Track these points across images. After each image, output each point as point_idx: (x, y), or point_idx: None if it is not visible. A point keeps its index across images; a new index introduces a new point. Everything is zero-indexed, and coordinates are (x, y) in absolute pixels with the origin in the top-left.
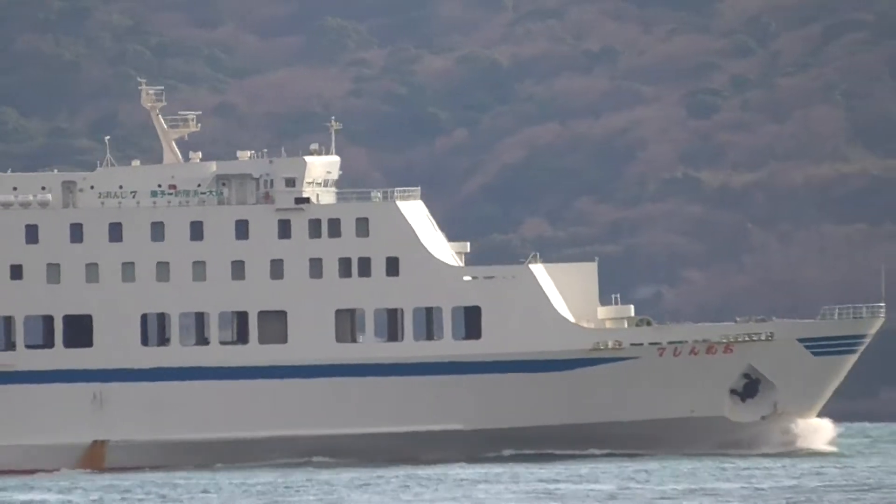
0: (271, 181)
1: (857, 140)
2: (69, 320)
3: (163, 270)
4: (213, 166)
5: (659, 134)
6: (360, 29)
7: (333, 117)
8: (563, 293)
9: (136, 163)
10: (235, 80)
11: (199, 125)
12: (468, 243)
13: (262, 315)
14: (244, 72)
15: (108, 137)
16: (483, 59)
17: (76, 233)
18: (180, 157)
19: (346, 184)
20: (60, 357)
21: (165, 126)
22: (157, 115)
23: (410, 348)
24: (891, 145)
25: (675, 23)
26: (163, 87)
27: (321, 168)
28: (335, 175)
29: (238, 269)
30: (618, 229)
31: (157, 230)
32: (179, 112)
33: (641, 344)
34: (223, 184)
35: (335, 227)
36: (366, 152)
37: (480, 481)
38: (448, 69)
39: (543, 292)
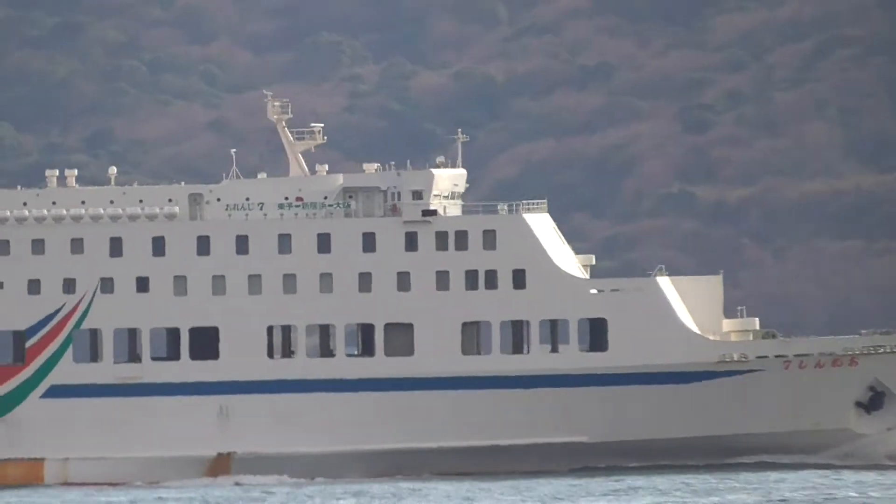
0: (398, 193)
1: (851, 156)
2: (195, 332)
3: (289, 283)
4: (339, 179)
5: (654, 149)
6: (354, 45)
7: (460, 129)
8: (689, 306)
9: (261, 175)
10: (229, 96)
11: (326, 137)
12: (594, 256)
13: (389, 327)
14: (238, 87)
15: (234, 150)
16: (478, 74)
17: (203, 245)
18: (306, 169)
19: None
20: (186, 369)
21: (292, 138)
22: (284, 127)
23: (536, 360)
24: (885, 161)
25: (670, 38)
26: (288, 100)
27: (448, 181)
28: (461, 188)
29: (365, 281)
30: (613, 245)
31: (284, 242)
32: (310, 124)
33: (767, 357)
34: (350, 196)
35: (462, 240)
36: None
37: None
38: (443, 85)
39: (669, 304)
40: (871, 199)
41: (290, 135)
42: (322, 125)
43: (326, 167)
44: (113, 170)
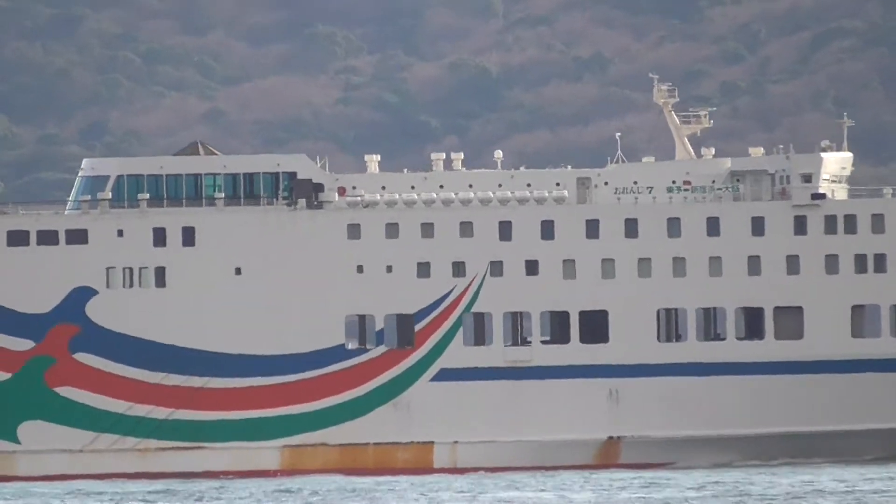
0: (787, 177)
1: (847, 148)
2: (585, 316)
3: (679, 266)
4: (727, 162)
5: (648, 142)
6: (349, 36)
7: (846, 113)
8: None
9: (648, 159)
10: (225, 87)
11: (712, 122)
12: None
13: (778, 311)
14: (234, 79)
15: (618, 134)
16: (473, 66)
17: (592, 228)
18: (693, 153)
19: None
20: (576, 353)
21: (678, 122)
22: (670, 111)
23: None
24: (882, 153)
25: (666, 30)
26: (674, 85)
27: (836, 164)
28: (848, 171)
29: (754, 264)
30: None
31: (674, 226)
32: (691, 109)
33: None
34: (737, 180)
35: (851, 224)
36: (354, 160)
37: None
38: (438, 76)
39: None
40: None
41: (676, 118)
42: (712, 109)
43: (713, 150)
44: (499, 153)
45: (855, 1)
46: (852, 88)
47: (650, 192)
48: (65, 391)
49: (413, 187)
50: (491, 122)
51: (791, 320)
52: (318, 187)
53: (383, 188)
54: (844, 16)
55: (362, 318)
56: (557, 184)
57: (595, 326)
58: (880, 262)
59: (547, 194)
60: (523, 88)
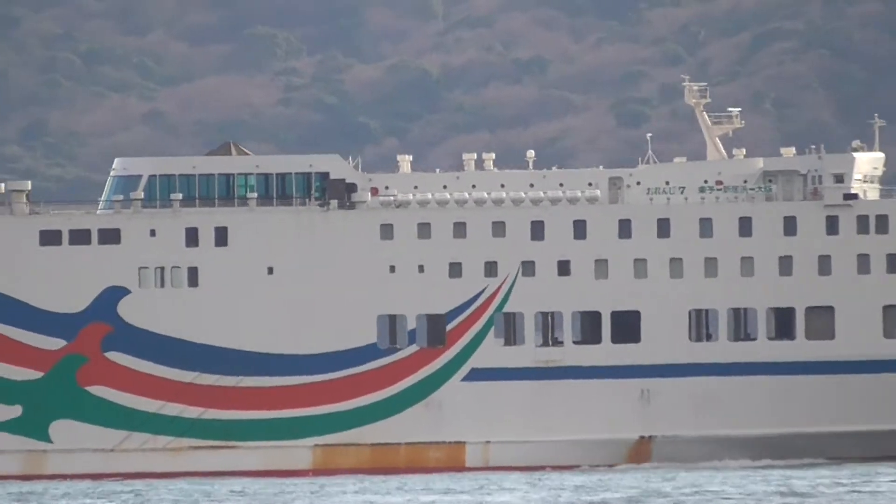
0: (819, 177)
1: (787, 148)
2: (616, 316)
3: (710, 266)
4: (759, 162)
5: (588, 143)
6: (289, 37)
7: (877, 114)
8: None
9: (679, 159)
10: (165, 88)
11: (743, 122)
12: None
13: (809, 311)
14: (174, 79)
15: (649, 134)
16: (413, 68)
17: (624, 228)
18: (724, 153)
19: None
20: (607, 353)
21: (709, 122)
22: (702, 111)
23: None
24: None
25: (604, 32)
26: (706, 84)
27: (868, 164)
28: (880, 171)
29: (785, 265)
30: None
31: (706, 226)
32: (727, 108)
33: None
34: (769, 180)
35: (882, 224)
36: None
37: None
38: (378, 78)
39: None
40: None
41: (707, 119)
42: (739, 109)
43: (744, 151)
44: (531, 153)
45: (795, 2)
46: (792, 90)
47: (682, 193)
48: (96, 390)
49: (445, 187)
50: (431, 124)
51: (822, 320)
52: (351, 187)
53: (415, 188)
54: (784, 17)
55: (394, 317)
56: (589, 184)
57: (627, 326)
58: None
59: (579, 194)
60: (463, 90)
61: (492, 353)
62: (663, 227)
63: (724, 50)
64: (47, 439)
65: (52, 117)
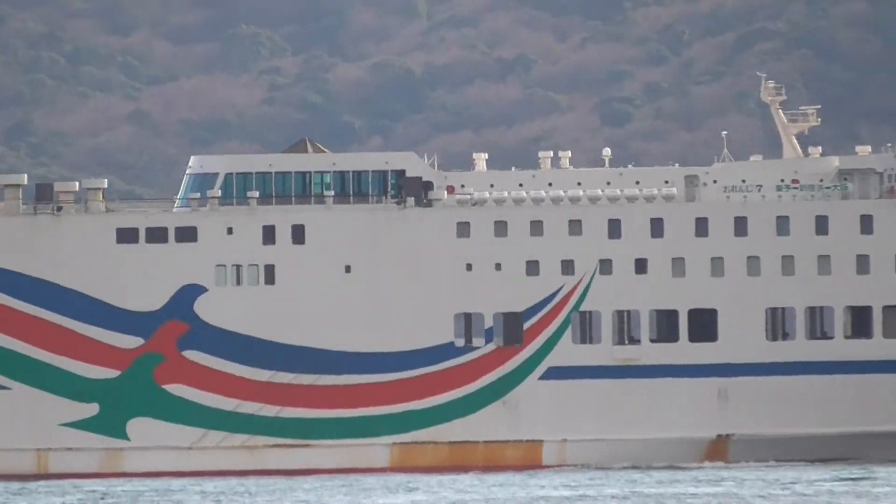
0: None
1: (771, 149)
2: (694, 314)
3: (787, 265)
4: (835, 161)
5: (572, 142)
6: (273, 37)
7: None
8: None
9: (755, 157)
10: (149, 87)
11: (819, 120)
12: None
13: (887, 309)
14: (158, 79)
15: (724, 132)
16: (397, 67)
17: (701, 226)
18: (800, 151)
19: None
20: (685, 351)
21: (785, 120)
22: (778, 109)
23: None
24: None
25: (588, 31)
26: (781, 84)
27: None
28: None
29: (862, 263)
30: None
31: (783, 224)
32: (800, 107)
33: None
34: (845, 178)
35: None
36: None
37: None
38: (362, 77)
39: None
40: None
41: (783, 117)
42: (818, 107)
43: (820, 149)
44: (607, 151)
45: (779, 2)
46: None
47: (759, 191)
48: (174, 388)
49: (521, 185)
50: (415, 123)
51: None
52: (428, 185)
53: (492, 186)
54: (768, 17)
55: (470, 315)
56: (666, 182)
57: (704, 325)
58: None
59: (656, 192)
60: (447, 89)
61: (569, 351)
62: (740, 226)
63: (708, 50)
64: (125, 437)
65: (36, 117)
